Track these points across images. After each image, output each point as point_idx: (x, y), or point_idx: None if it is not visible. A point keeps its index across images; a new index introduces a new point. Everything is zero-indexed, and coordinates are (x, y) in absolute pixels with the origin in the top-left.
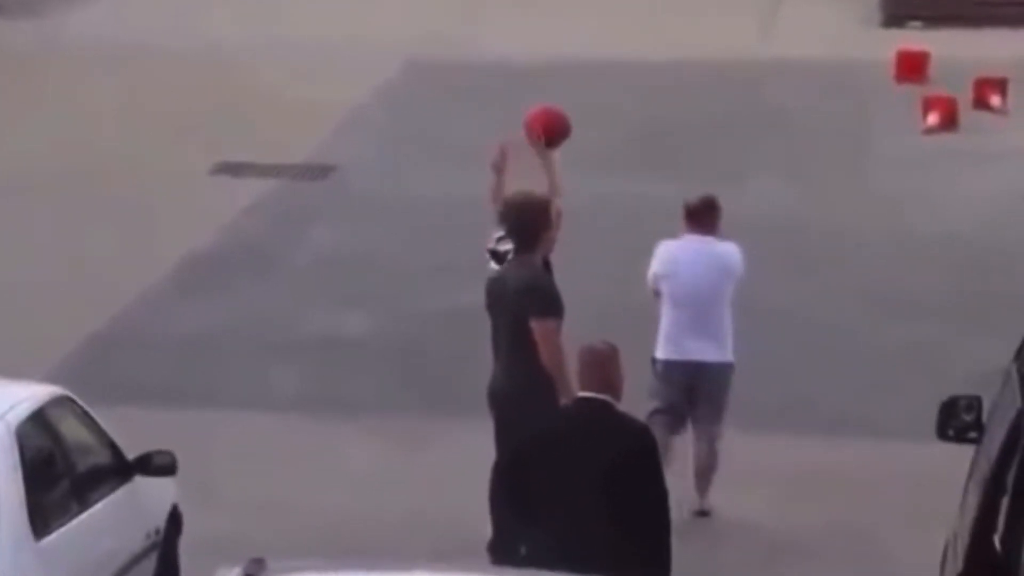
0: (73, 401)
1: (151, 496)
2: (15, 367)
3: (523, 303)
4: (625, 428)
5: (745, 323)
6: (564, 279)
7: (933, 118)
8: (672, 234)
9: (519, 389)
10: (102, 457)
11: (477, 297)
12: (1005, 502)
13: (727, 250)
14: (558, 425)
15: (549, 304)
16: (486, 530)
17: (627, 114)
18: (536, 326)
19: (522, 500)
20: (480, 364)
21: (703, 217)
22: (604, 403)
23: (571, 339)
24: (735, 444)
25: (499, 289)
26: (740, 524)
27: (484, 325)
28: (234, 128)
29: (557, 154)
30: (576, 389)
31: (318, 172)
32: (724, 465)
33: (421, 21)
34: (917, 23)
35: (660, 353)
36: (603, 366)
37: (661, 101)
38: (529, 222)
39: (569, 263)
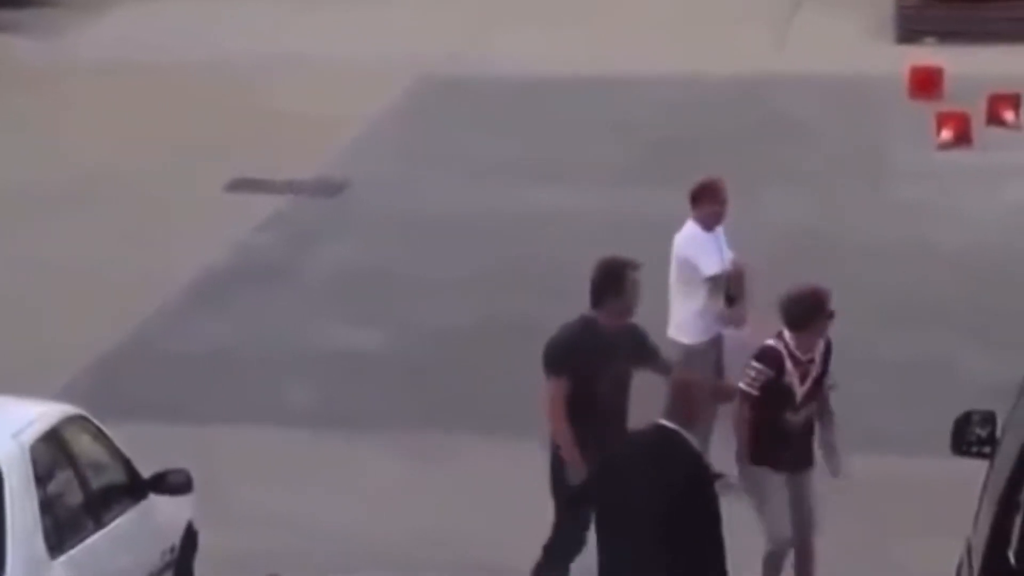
0: (87, 419)
1: (166, 514)
2: (29, 384)
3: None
4: (679, 455)
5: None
6: (582, 292)
7: (947, 134)
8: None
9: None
10: (117, 475)
11: (489, 312)
12: (1019, 517)
13: (679, 234)
14: (623, 451)
15: (551, 362)
16: (498, 546)
17: (641, 128)
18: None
19: (591, 522)
20: (491, 380)
21: (689, 201)
22: (668, 430)
23: None
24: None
25: None
26: (749, 535)
27: (495, 341)
28: (247, 145)
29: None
30: (573, 450)
31: (331, 188)
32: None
33: (433, 37)
34: (931, 39)
35: None
36: (682, 396)
37: (675, 115)
38: (597, 281)
39: (586, 276)
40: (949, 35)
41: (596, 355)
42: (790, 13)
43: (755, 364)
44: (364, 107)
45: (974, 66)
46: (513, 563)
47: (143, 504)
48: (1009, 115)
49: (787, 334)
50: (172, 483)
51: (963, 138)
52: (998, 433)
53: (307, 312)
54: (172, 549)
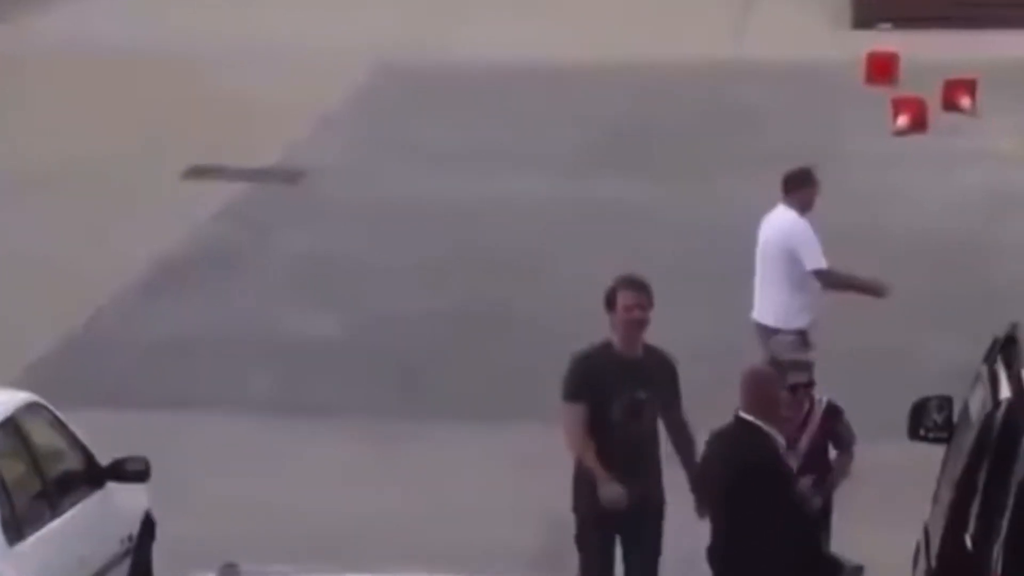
0: (44, 407)
1: (124, 502)
2: None
3: None
4: (745, 448)
5: (717, 323)
6: (542, 279)
7: (903, 119)
8: (645, 235)
9: None
10: (74, 463)
11: (448, 300)
12: (976, 501)
13: (776, 218)
14: (710, 443)
15: (565, 388)
16: (459, 531)
17: (600, 116)
18: None
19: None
20: (452, 366)
21: (783, 186)
22: (745, 422)
23: (552, 336)
24: None
25: None
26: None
27: (457, 327)
28: (205, 132)
29: None
30: (598, 468)
31: (289, 176)
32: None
33: (393, 24)
34: (887, 25)
35: None
36: (756, 388)
37: (634, 103)
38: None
39: (546, 264)
40: (905, 21)
41: (608, 380)
42: (748, 1)
43: None
44: (324, 94)
45: (930, 52)
46: (476, 549)
47: (101, 492)
48: (965, 100)
49: None
50: (130, 471)
51: (919, 124)
52: (955, 418)
53: (266, 299)
54: (130, 537)
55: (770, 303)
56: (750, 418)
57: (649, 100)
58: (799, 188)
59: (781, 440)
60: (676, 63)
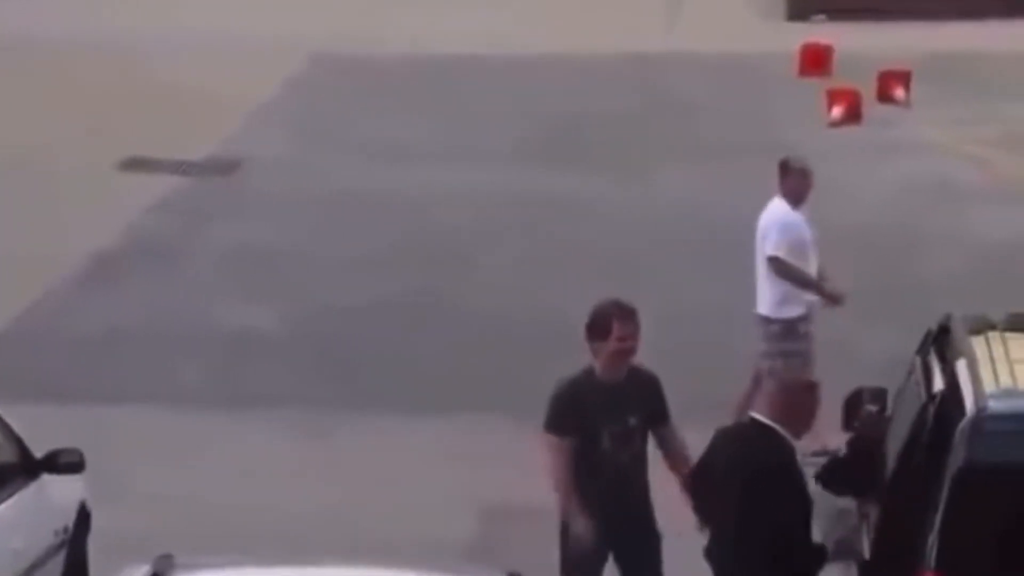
0: None
1: (59, 494)
2: None
3: None
4: (762, 450)
5: (656, 314)
6: (481, 271)
7: (837, 111)
8: (584, 227)
9: None
10: (8, 455)
11: (384, 291)
12: (910, 494)
13: (768, 209)
14: (716, 442)
15: (550, 420)
16: (394, 524)
17: (535, 108)
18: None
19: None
20: (388, 358)
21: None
22: (759, 425)
23: (491, 328)
24: None
25: None
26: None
27: (390, 319)
28: (140, 123)
29: None
30: (570, 505)
31: (225, 167)
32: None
33: (328, 15)
34: (821, 16)
35: None
36: (786, 393)
37: (568, 95)
38: (586, 328)
39: (485, 256)
40: (839, 13)
41: (594, 409)
42: None
43: None
44: (258, 85)
45: (864, 44)
46: (408, 541)
47: (35, 484)
48: (899, 92)
49: None
50: (64, 463)
51: (853, 115)
52: (889, 410)
53: (201, 292)
54: (65, 529)
55: (763, 293)
56: (766, 421)
57: (584, 92)
58: (785, 179)
59: (795, 445)
60: (610, 55)
